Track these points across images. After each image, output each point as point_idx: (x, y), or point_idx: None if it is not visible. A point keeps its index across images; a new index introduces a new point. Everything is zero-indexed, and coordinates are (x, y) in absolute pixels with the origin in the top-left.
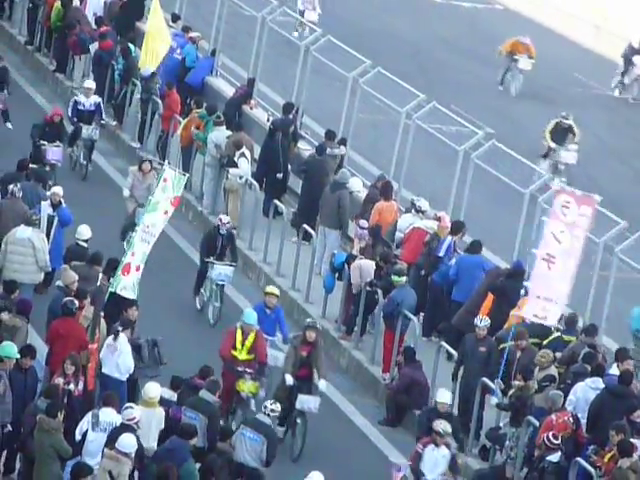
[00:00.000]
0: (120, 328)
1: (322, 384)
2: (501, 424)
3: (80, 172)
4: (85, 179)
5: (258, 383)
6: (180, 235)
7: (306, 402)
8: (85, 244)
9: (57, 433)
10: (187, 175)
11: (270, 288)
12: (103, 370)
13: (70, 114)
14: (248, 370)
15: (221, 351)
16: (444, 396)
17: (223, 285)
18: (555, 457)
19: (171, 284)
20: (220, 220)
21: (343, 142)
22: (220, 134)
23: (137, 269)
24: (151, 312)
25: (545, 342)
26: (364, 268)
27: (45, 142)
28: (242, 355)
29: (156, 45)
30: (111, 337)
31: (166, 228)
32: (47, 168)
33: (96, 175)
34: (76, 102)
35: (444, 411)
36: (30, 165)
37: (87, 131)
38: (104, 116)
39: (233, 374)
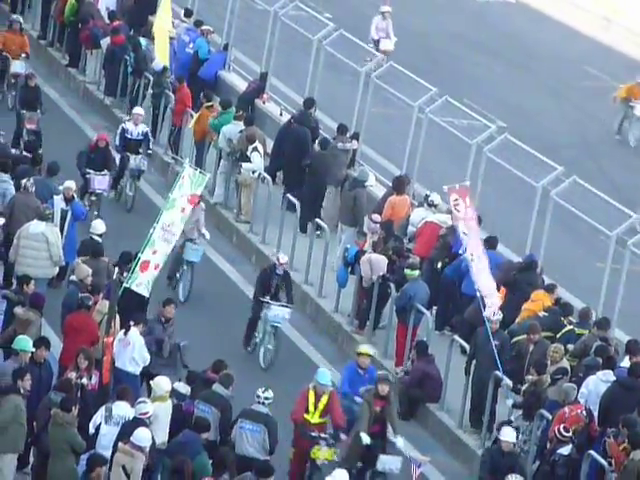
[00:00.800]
0: (132, 322)
1: (400, 441)
2: (512, 417)
3: (126, 203)
4: (131, 211)
5: (334, 449)
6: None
7: (387, 463)
8: (99, 239)
9: (71, 427)
10: (208, 175)
11: (363, 348)
12: (116, 364)
13: (117, 142)
14: (323, 435)
15: (293, 414)
16: (508, 435)
17: (277, 327)
18: (566, 450)
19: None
20: (277, 259)
21: (356, 136)
22: (234, 128)
23: (156, 267)
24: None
25: (558, 335)
26: (374, 262)
27: (91, 170)
28: (315, 418)
29: (164, 39)
30: (122, 332)
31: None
32: (92, 198)
33: (141, 204)
34: (124, 130)
35: (508, 450)
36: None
37: (135, 161)
38: (151, 145)
39: (306, 439)
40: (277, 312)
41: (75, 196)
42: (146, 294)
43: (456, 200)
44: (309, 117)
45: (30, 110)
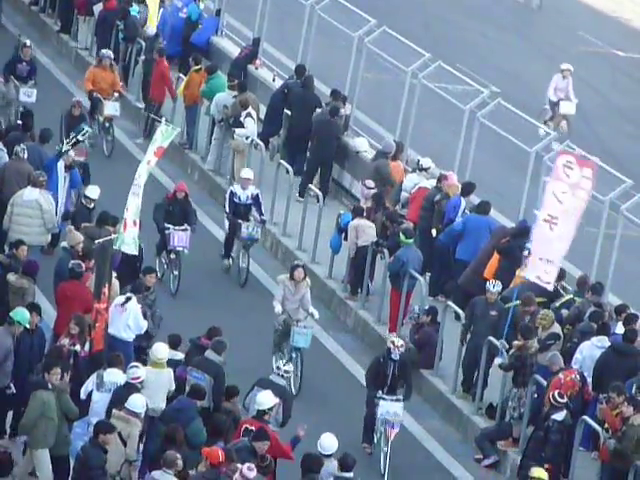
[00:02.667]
0: (131, 295)
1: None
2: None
3: (238, 278)
4: (244, 287)
5: None
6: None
7: (389, 407)
8: (91, 204)
9: (64, 394)
10: (178, 129)
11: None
12: (109, 330)
13: (227, 208)
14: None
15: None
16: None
17: (394, 426)
18: (560, 416)
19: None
20: (392, 343)
21: (344, 99)
22: (227, 97)
23: (134, 224)
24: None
25: (558, 304)
26: (360, 229)
27: (170, 225)
28: None
29: (155, 3)
30: (121, 300)
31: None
32: (172, 256)
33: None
34: (232, 194)
35: None
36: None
37: (247, 229)
38: (262, 210)
39: None
40: (389, 408)
41: (74, 165)
42: (134, 252)
43: (570, 163)
44: (311, 82)
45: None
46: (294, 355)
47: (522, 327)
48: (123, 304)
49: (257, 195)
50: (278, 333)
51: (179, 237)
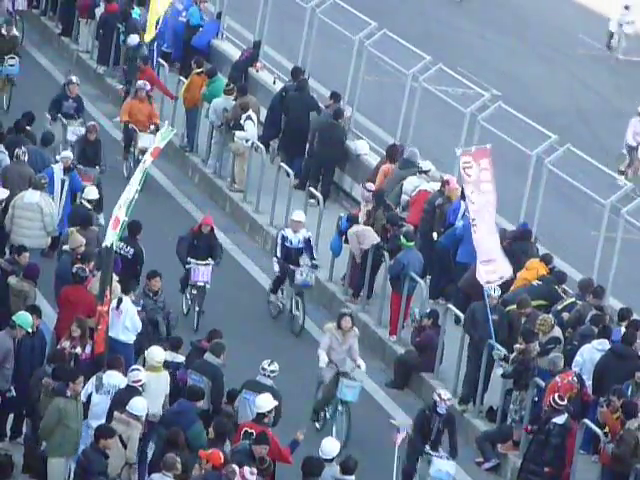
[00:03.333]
0: (122, 295)
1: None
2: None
3: (293, 326)
4: (299, 335)
5: None
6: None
7: (441, 466)
8: (89, 205)
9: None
10: (174, 130)
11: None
12: (109, 334)
13: (278, 252)
14: None
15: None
16: None
17: None
18: (561, 419)
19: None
20: (439, 396)
21: (337, 98)
22: (224, 102)
23: (117, 220)
24: None
25: (559, 307)
26: (361, 235)
27: (193, 260)
28: None
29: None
30: (114, 303)
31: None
32: (194, 291)
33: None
34: (283, 237)
35: None
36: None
37: (301, 276)
38: (315, 254)
39: None
40: (441, 467)
41: (72, 167)
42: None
43: (467, 163)
44: (306, 85)
45: (88, 166)
46: (340, 409)
47: (523, 330)
48: (117, 307)
49: (309, 239)
50: (325, 386)
51: (202, 272)
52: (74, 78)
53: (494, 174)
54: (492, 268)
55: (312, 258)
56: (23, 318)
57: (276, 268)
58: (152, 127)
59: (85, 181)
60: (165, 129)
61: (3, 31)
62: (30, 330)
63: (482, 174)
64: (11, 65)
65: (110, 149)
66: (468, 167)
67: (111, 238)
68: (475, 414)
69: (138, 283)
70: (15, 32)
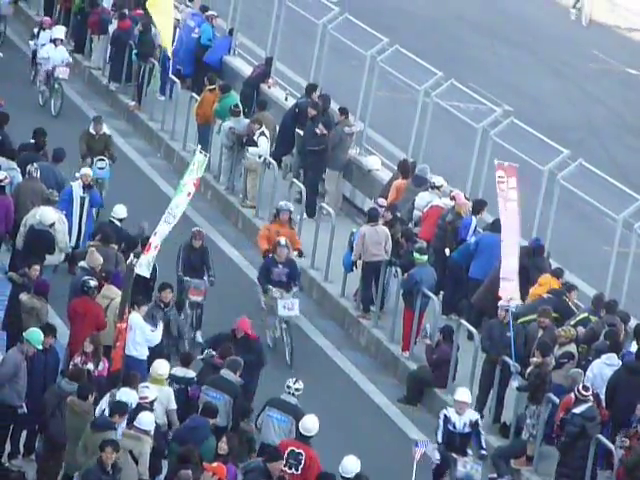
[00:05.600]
0: (129, 309)
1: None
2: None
3: None
4: None
5: None
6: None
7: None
8: (119, 223)
9: (88, 415)
10: (208, 156)
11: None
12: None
13: (439, 437)
14: None
15: None
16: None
17: None
18: (580, 409)
19: None
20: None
21: (345, 112)
22: (232, 124)
23: (155, 248)
24: None
25: (573, 322)
26: (367, 241)
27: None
28: None
29: (167, 22)
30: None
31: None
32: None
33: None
34: (446, 419)
35: None
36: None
37: (464, 468)
38: (484, 442)
39: None
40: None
41: (92, 184)
42: (146, 274)
43: (501, 177)
44: (328, 102)
45: (194, 277)
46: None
47: (540, 344)
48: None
49: (477, 421)
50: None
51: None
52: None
53: (520, 196)
54: (506, 286)
55: (480, 447)
56: (33, 335)
57: (436, 456)
58: (295, 253)
59: (194, 295)
60: (199, 157)
61: (91, 129)
62: (40, 347)
63: (510, 192)
64: (100, 168)
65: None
66: (501, 181)
67: (143, 262)
68: (488, 430)
69: (150, 299)
70: (105, 130)
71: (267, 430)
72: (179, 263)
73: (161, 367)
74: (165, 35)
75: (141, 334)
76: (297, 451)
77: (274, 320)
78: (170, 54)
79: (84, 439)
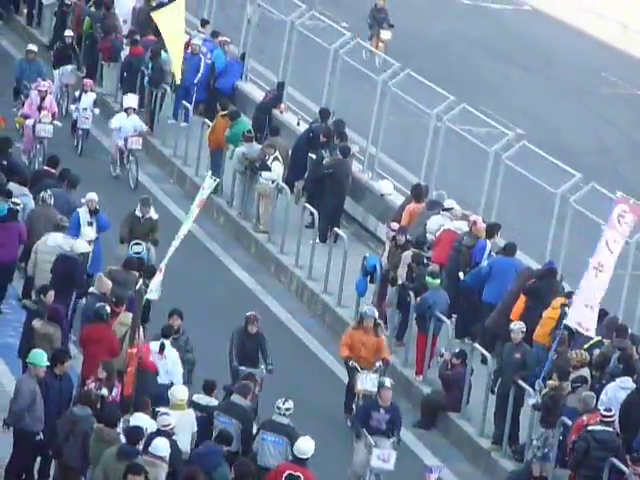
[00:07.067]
0: (164, 340)
1: None
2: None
3: None
4: None
5: None
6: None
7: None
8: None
9: (116, 443)
10: (217, 180)
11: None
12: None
13: None
14: None
15: None
16: None
17: None
18: (595, 427)
19: None
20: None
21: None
22: (244, 149)
23: (160, 270)
24: None
25: (586, 346)
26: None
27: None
28: None
29: (178, 46)
30: (156, 347)
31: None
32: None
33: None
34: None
35: None
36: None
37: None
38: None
39: None
40: None
41: (98, 208)
42: (156, 298)
43: (624, 212)
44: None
45: (249, 365)
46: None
47: (558, 368)
48: (160, 351)
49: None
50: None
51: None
52: None
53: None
54: (591, 315)
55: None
56: (35, 357)
57: None
58: (378, 364)
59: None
60: (208, 180)
61: (137, 212)
62: (45, 364)
63: (625, 228)
64: (136, 253)
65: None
66: (622, 216)
67: (153, 287)
68: (503, 454)
69: (148, 319)
70: (152, 214)
71: (263, 453)
72: (233, 351)
73: (180, 392)
74: (176, 61)
75: (172, 365)
76: (295, 474)
77: (363, 470)
78: (178, 80)
79: (104, 465)
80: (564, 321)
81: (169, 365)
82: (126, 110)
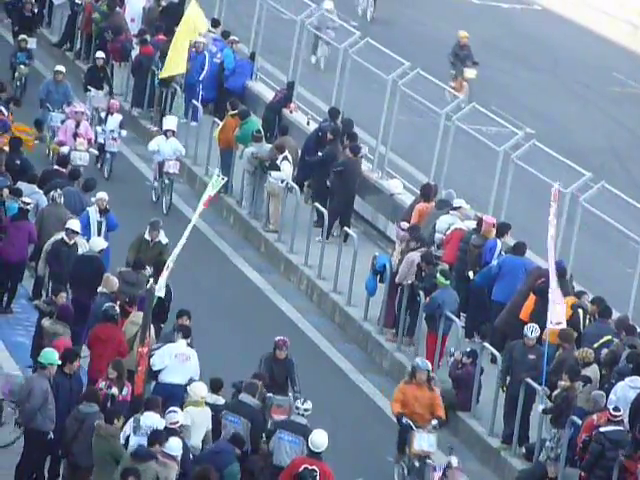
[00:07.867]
0: (182, 339)
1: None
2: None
3: None
4: None
5: None
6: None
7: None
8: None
9: (115, 439)
10: (225, 179)
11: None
12: (171, 380)
13: None
14: None
15: None
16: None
17: None
18: (607, 429)
19: None
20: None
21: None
22: (254, 149)
23: (166, 268)
24: None
25: (596, 345)
26: (415, 263)
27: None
28: None
29: (183, 46)
30: (183, 346)
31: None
32: None
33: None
34: None
35: None
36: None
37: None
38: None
39: None
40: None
41: (108, 207)
42: (162, 295)
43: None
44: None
45: (278, 392)
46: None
47: (569, 368)
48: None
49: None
50: None
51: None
52: None
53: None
54: (560, 310)
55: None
56: (48, 355)
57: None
58: (434, 422)
59: (277, 414)
60: (215, 178)
61: (146, 236)
62: (57, 363)
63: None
64: None
65: None
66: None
67: (161, 284)
68: (512, 453)
69: (166, 319)
70: (162, 238)
71: (279, 452)
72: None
73: (202, 389)
74: (174, 59)
75: (195, 368)
76: (311, 468)
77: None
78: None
79: (123, 466)
80: (547, 326)
81: (193, 369)
82: (165, 132)
